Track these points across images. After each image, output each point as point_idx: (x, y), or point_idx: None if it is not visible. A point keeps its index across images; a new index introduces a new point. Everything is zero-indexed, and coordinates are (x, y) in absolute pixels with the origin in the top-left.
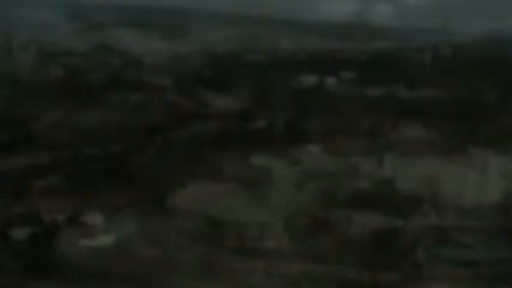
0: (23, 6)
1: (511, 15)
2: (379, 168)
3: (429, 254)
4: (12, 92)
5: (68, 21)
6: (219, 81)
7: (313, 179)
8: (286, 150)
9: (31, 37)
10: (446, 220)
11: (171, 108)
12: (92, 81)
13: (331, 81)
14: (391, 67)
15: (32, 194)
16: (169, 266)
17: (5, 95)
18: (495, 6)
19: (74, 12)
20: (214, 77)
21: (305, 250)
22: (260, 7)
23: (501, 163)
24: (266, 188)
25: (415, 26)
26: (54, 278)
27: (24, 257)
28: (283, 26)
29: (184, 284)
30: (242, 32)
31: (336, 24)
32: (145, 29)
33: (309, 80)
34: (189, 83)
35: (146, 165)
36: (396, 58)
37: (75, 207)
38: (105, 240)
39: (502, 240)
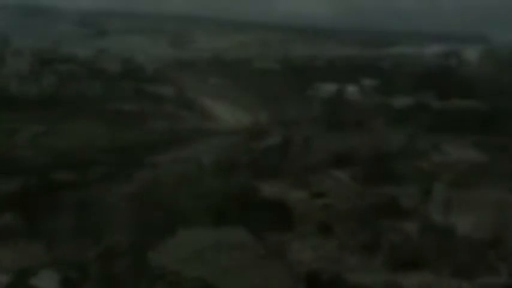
0: (28, 12)
1: None
2: (426, 204)
3: None
4: None
5: (74, 27)
6: (226, 90)
7: (343, 219)
8: (305, 176)
9: (29, 43)
10: None
11: (169, 121)
12: (86, 90)
13: (351, 89)
14: (416, 74)
15: None
16: None
17: None
18: None
19: (80, 19)
20: (220, 85)
21: None
22: (271, 14)
23: None
24: (282, 233)
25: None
26: None
27: None
28: (294, 32)
29: None
30: (252, 39)
31: (349, 30)
32: (153, 35)
33: (327, 88)
34: (192, 92)
35: (128, 199)
36: (420, 64)
37: (27, 262)
38: None
39: None
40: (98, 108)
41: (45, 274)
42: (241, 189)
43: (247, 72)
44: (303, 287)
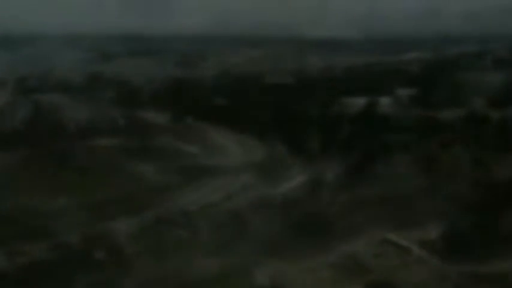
0: (33, 39)
1: None
2: None
3: None
4: None
5: (74, 52)
6: (234, 114)
7: None
8: (352, 246)
9: (17, 70)
10: None
11: (161, 159)
12: (67, 122)
13: (385, 102)
14: (454, 79)
15: None
16: None
17: None
18: None
19: (82, 43)
20: (228, 107)
21: None
22: (281, 27)
23: None
24: None
25: (444, 33)
26: None
27: None
28: (307, 44)
29: None
30: (263, 53)
31: (359, 39)
32: (159, 57)
33: (355, 102)
34: (194, 117)
35: None
36: (457, 67)
37: None
38: None
39: None
40: (73, 147)
41: None
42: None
43: (258, 88)
44: None
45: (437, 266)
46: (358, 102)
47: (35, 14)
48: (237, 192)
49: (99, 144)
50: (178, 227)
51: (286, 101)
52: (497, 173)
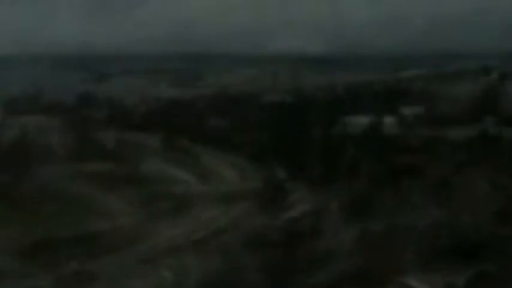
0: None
1: None
2: None
3: None
4: None
5: (69, 72)
6: (230, 136)
7: None
8: None
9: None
10: None
11: (146, 186)
12: (54, 146)
13: (389, 121)
14: (458, 96)
15: None
16: None
17: None
18: None
19: (79, 62)
20: (223, 127)
21: None
22: (277, 45)
23: None
24: None
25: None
26: None
27: None
28: (303, 62)
29: None
30: (261, 72)
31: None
32: (155, 76)
33: (358, 122)
34: (187, 139)
35: None
36: (464, 85)
37: None
38: None
39: None
40: (57, 174)
41: None
42: None
43: (254, 108)
44: None
45: None
46: (361, 121)
47: None
48: (231, 225)
49: (84, 169)
50: (163, 268)
51: (284, 121)
52: None
